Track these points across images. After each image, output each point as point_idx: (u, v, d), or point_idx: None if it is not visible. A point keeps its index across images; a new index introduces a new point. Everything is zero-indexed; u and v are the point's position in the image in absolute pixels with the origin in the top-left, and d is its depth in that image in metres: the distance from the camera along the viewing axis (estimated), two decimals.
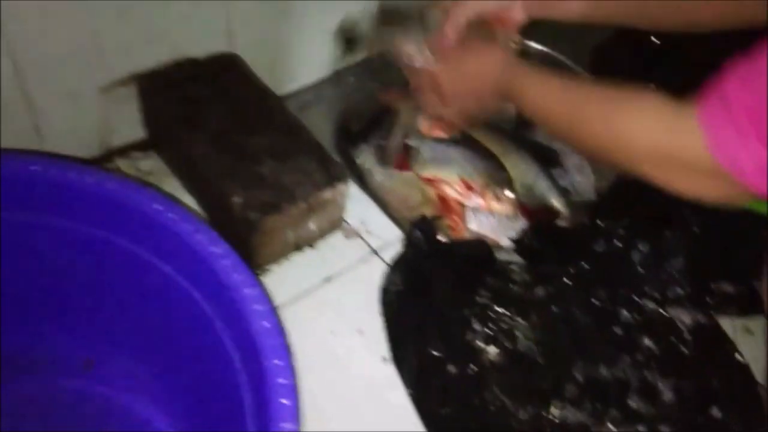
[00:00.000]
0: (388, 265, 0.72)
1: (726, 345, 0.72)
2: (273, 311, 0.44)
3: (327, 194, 0.67)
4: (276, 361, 0.41)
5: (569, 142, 0.69)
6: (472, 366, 0.65)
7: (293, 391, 0.41)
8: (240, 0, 0.73)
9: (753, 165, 0.47)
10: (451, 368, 0.65)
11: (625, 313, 0.72)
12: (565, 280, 0.74)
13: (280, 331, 0.43)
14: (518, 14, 0.76)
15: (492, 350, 0.67)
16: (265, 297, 0.45)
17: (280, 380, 0.40)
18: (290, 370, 0.42)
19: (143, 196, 0.49)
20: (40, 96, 0.65)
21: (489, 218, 0.90)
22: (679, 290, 0.74)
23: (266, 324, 0.43)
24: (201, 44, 0.75)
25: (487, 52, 0.73)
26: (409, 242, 0.74)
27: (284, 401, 0.41)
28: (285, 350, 0.43)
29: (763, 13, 0.62)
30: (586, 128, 0.61)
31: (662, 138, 0.54)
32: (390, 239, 0.75)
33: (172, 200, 0.49)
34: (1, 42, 0.59)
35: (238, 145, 0.69)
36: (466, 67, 0.74)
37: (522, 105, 0.69)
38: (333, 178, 0.68)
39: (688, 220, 0.79)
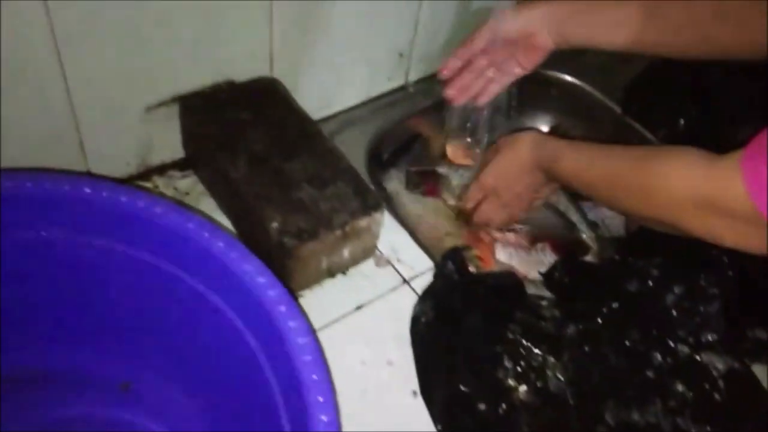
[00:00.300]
0: (418, 294, 0.72)
1: (760, 393, 0.71)
2: (316, 344, 0.44)
3: (363, 222, 0.67)
4: (320, 398, 0.41)
5: (612, 206, 0.70)
6: (502, 405, 0.64)
7: (336, 428, 0.40)
8: (281, 26, 0.74)
9: None
10: (481, 405, 0.64)
11: (657, 356, 0.71)
12: (597, 319, 0.73)
13: (323, 365, 0.43)
14: (544, 42, 0.75)
15: (522, 389, 0.66)
16: (308, 329, 0.45)
17: (323, 417, 0.40)
18: (332, 407, 0.41)
19: (189, 221, 0.49)
20: (87, 114, 0.66)
21: (518, 250, 0.90)
22: (713, 335, 0.72)
23: (309, 358, 0.43)
24: (242, 68, 0.76)
25: (515, 139, 0.78)
26: (440, 273, 0.74)
27: None
28: (328, 385, 0.42)
29: None
30: (625, 189, 0.62)
31: (702, 185, 0.54)
32: (421, 269, 0.75)
33: (219, 228, 0.49)
34: (60, 64, 0.60)
35: (276, 170, 0.69)
36: (502, 159, 0.79)
37: (562, 179, 0.72)
38: (369, 206, 0.68)
39: (724, 264, 0.79)
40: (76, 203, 0.49)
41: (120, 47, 0.64)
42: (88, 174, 0.72)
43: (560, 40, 0.74)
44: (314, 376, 0.42)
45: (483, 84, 0.81)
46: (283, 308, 0.45)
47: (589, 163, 0.67)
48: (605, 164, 0.65)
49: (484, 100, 0.83)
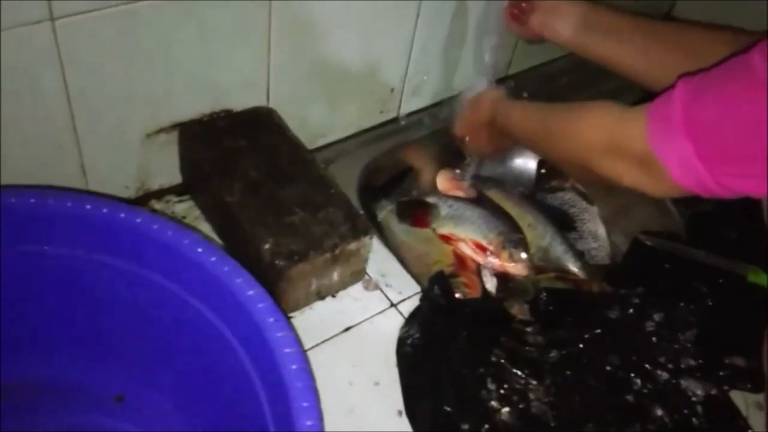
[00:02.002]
0: (405, 318, 0.74)
1: (738, 419, 0.72)
2: (303, 354, 0.46)
3: (352, 246, 0.70)
4: (304, 403, 0.43)
5: (545, 155, 0.78)
6: (485, 425, 0.66)
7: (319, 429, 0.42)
8: (278, 59, 0.78)
9: (677, 158, 0.50)
10: (465, 426, 0.65)
11: (637, 381, 0.73)
12: (579, 344, 0.75)
13: (308, 373, 0.45)
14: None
15: (505, 410, 0.68)
16: (296, 340, 0.47)
17: (308, 422, 0.42)
18: (317, 411, 0.43)
19: (185, 237, 0.51)
20: (90, 138, 0.69)
21: (504, 278, 0.92)
22: (691, 361, 0.74)
23: (295, 366, 0.45)
24: (240, 98, 0.80)
25: (480, 98, 0.86)
26: (426, 296, 0.76)
27: None
28: (312, 392, 0.44)
29: None
30: (552, 136, 0.68)
31: (610, 129, 0.59)
32: (408, 293, 0.77)
33: (213, 244, 0.51)
34: (65, 88, 0.64)
35: (270, 195, 0.72)
36: (469, 115, 0.89)
37: (510, 132, 0.79)
38: (359, 231, 0.71)
39: (702, 293, 0.81)
40: (76, 219, 0.51)
41: (123, 75, 0.67)
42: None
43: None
44: (299, 383, 0.44)
45: None
46: (271, 320, 0.47)
47: (529, 116, 0.75)
48: (540, 116, 0.73)
49: None
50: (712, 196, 0.53)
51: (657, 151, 0.52)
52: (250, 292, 0.49)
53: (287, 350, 0.45)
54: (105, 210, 0.52)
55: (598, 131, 0.60)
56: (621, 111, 0.59)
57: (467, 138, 0.92)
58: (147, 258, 0.53)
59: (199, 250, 0.51)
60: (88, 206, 0.52)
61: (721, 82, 0.50)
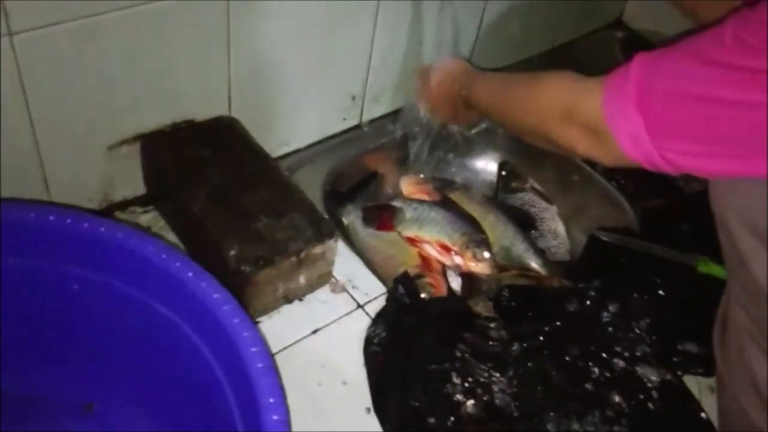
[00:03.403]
0: (372, 319, 0.76)
1: (691, 403, 0.76)
2: (268, 353, 0.48)
3: (317, 249, 0.72)
4: (270, 399, 0.44)
5: (508, 125, 0.76)
6: (451, 418, 0.68)
7: (286, 427, 0.43)
8: (238, 69, 0.79)
9: (627, 131, 0.51)
10: (431, 419, 0.67)
11: (595, 369, 0.76)
12: (540, 337, 0.78)
13: (273, 371, 0.46)
14: None
15: (470, 403, 0.70)
16: (261, 340, 0.48)
17: (274, 417, 0.43)
18: (283, 407, 0.45)
19: (149, 244, 0.52)
20: (51, 151, 0.70)
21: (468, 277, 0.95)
22: (646, 349, 0.78)
23: (263, 369, 0.46)
24: (202, 108, 0.81)
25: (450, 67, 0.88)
26: (392, 297, 0.78)
27: None
28: (278, 388, 0.46)
29: None
30: (515, 106, 0.70)
31: (567, 96, 0.60)
32: (375, 294, 0.79)
33: (177, 250, 0.53)
34: (26, 102, 0.64)
35: (234, 202, 0.73)
36: (434, 83, 0.90)
37: (474, 103, 0.79)
38: (323, 234, 0.72)
39: (655, 284, 0.85)
40: (40, 230, 0.52)
41: (83, 88, 0.68)
42: None
43: None
44: (265, 381, 0.45)
45: None
46: (237, 320, 0.48)
47: (492, 87, 0.77)
48: (502, 86, 0.74)
49: None
50: (658, 171, 0.53)
51: (609, 122, 0.53)
52: (216, 295, 0.50)
53: (253, 349, 0.47)
54: (69, 220, 0.52)
55: (555, 99, 0.61)
56: (579, 81, 0.60)
57: (430, 108, 0.94)
58: (112, 266, 0.54)
59: (164, 256, 0.52)
60: (51, 217, 0.52)
61: (680, 56, 0.50)
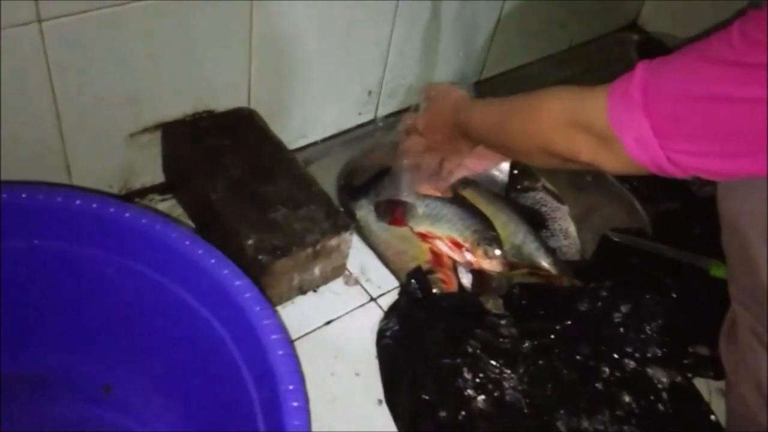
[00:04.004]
0: (384, 311, 0.76)
1: (701, 405, 0.76)
2: (288, 340, 0.48)
3: (333, 242, 0.72)
4: (290, 386, 0.45)
5: (505, 148, 0.75)
6: (462, 412, 0.68)
7: (305, 414, 0.44)
8: (259, 62, 0.80)
9: (634, 134, 0.51)
10: (442, 413, 0.68)
11: (606, 369, 0.76)
12: (551, 335, 0.78)
13: (293, 358, 0.47)
14: None
15: (481, 398, 0.71)
16: (281, 327, 0.49)
17: (294, 403, 0.44)
18: (303, 395, 0.45)
19: (173, 230, 0.53)
20: (74, 137, 0.71)
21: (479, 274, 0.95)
22: (657, 350, 0.78)
23: (283, 356, 0.47)
24: (222, 99, 0.81)
25: (444, 97, 0.86)
26: (405, 291, 0.79)
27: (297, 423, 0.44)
28: (298, 376, 0.46)
29: None
30: (514, 126, 0.68)
31: (572, 106, 0.59)
32: (387, 288, 0.80)
33: (200, 237, 0.53)
34: (52, 88, 0.65)
35: (252, 193, 0.74)
36: (432, 110, 0.88)
37: (469, 130, 0.78)
38: (339, 227, 0.73)
39: (667, 286, 0.85)
40: (66, 213, 0.53)
41: (107, 76, 0.69)
42: None
43: None
44: (285, 368, 0.46)
45: None
46: (258, 308, 0.49)
47: (489, 110, 0.75)
48: (499, 109, 0.73)
49: None
50: (665, 174, 0.53)
51: (615, 127, 0.53)
52: (237, 282, 0.51)
53: (273, 337, 0.48)
54: (95, 205, 0.53)
55: (557, 111, 0.61)
56: (581, 90, 0.59)
57: (426, 133, 0.92)
58: (135, 251, 0.54)
59: (187, 242, 0.52)
60: (78, 201, 0.53)
61: (686, 58, 0.50)
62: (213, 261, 0.52)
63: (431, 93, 0.89)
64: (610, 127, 0.53)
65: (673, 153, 0.51)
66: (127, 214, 0.53)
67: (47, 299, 0.57)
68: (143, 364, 0.60)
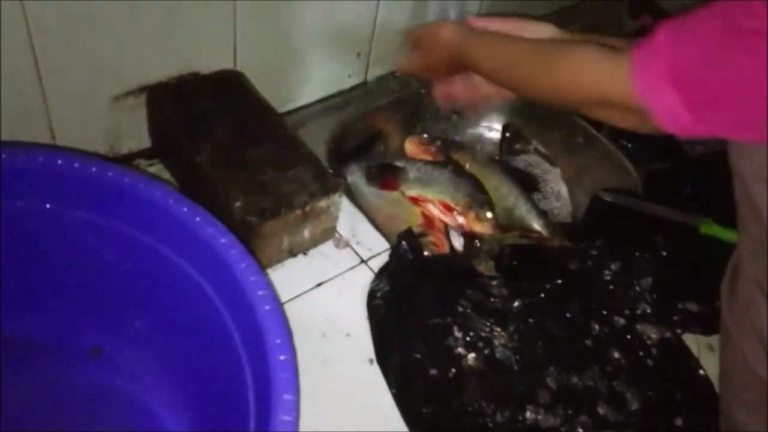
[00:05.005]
0: (375, 273, 0.76)
1: (690, 360, 0.77)
2: (275, 296, 0.48)
3: (322, 203, 0.72)
4: (278, 340, 0.45)
5: (518, 92, 0.74)
6: (452, 370, 0.69)
7: (295, 385, 0.44)
8: (244, 22, 0.79)
9: (664, 108, 0.52)
10: (433, 371, 0.68)
11: (596, 326, 0.77)
12: (541, 294, 0.78)
13: (280, 314, 0.47)
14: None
15: (471, 356, 0.71)
16: (268, 284, 0.49)
17: (281, 357, 0.44)
18: (290, 348, 0.45)
19: (156, 189, 0.53)
20: (57, 101, 0.70)
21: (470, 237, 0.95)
22: (647, 307, 0.79)
23: (270, 312, 0.47)
24: (208, 61, 0.80)
25: (442, 25, 0.80)
26: (395, 252, 0.78)
27: (287, 396, 0.45)
28: (285, 331, 0.46)
29: None
30: (531, 79, 0.67)
31: (597, 82, 0.59)
32: (378, 250, 0.80)
33: (187, 198, 0.53)
34: (33, 52, 0.64)
35: (240, 155, 0.73)
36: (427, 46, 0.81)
37: (475, 65, 0.74)
38: (328, 189, 0.72)
39: (658, 244, 0.85)
40: (48, 174, 0.52)
41: (90, 38, 0.68)
42: None
43: None
44: (274, 324, 0.46)
45: None
46: (244, 265, 0.49)
47: (495, 48, 0.72)
48: (515, 62, 0.70)
49: None
50: (693, 138, 0.54)
51: (643, 101, 0.53)
52: (223, 240, 0.51)
53: (260, 293, 0.47)
54: (76, 164, 0.52)
55: (582, 84, 0.60)
56: (602, 60, 0.58)
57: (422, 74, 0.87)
58: (119, 211, 0.54)
59: (171, 201, 0.52)
60: (59, 161, 0.52)
61: (708, 26, 0.50)
62: (198, 219, 0.52)
63: (418, 33, 0.82)
64: (639, 101, 0.54)
65: (704, 122, 0.51)
66: (109, 173, 0.53)
67: (30, 262, 0.57)
68: (131, 325, 0.60)
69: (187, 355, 0.58)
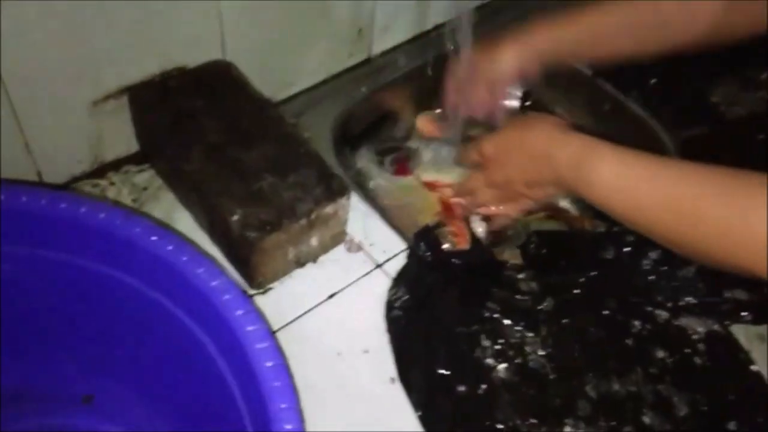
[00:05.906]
0: (392, 278, 0.70)
1: (740, 354, 0.70)
2: (277, 348, 0.42)
3: (329, 209, 0.65)
4: (282, 405, 0.39)
5: (668, 241, 0.55)
6: (482, 385, 0.63)
7: (296, 414, 0.39)
8: (232, 6, 0.70)
9: None
10: (461, 388, 0.63)
11: (636, 323, 0.70)
12: (574, 290, 0.72)
13: (284, 370, 0.41)
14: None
15: (502, 367, 0.65)
16: (268, 333, 0.43)
17: (282, 404, 0.38)
18: (297, 414, 0.40)
19: (136, 226, 0.46)
20: (29, 113, 0.63)
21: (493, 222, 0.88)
22: (691, 299, 0.72)
23: (269, 362, 0.41)
24: (192, 52, 0.72)
25: (534, 118, 0.63)
26: (413, 254, 0.72)
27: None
28: (291, 391, 0.40)
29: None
30: (700, 225, 0.50)
31: None
32: (394, 251, 0.73)
33: (176, 234, 0.46)
34: None
35: (234, 160, 0.66)
36: (510, 133, 0.65)
37: (590, 191, 0.56)
38: (334, 192, 0.65)
39: None
40: (29, 216, 0.46)
41: (56, 37, 0.60)
42: (38, 176, 0.68)
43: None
44: (271, 368, 0.40)
45: None
46: (240, 312, 0.43)
47: (643, 191, 0.52)
48: (671, 199, 0.51)
49: None
50: None
51: None
52: (214, 283, 0.44)
53: (259, 346, 0.41)
54: (43, 201, 0.46)
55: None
56: None
57: (490, 161, 0.69)
58: (111, 256, 0.48)
59: (154, 238, 0.45)
60: (23, 198, 0.46)
61: None
62: (185, 258, 0.45)
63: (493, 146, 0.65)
64: None
65: None
66: (82, 210, 0.46)
67: (18, 309, 0.51)
68: (123, 372, 0.54)
69: (180, 399, 0.53)
